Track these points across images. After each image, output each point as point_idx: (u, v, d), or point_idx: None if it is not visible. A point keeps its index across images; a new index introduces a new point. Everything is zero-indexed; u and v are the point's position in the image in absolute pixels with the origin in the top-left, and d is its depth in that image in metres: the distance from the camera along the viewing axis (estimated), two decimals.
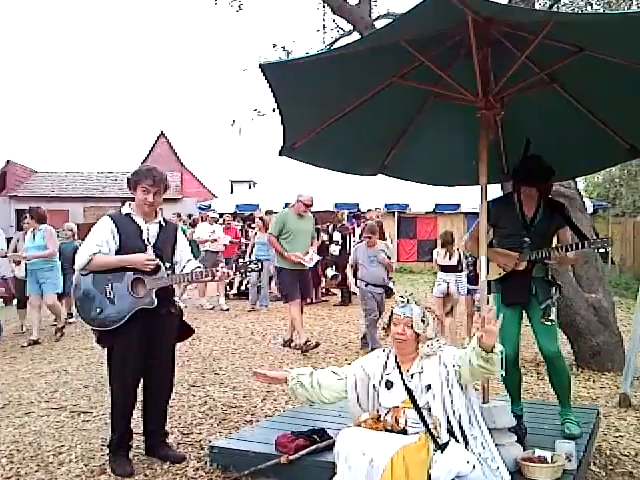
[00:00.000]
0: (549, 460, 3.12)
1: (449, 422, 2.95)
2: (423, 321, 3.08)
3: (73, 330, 8.93)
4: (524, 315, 3.97)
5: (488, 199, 3.63)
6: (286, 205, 17.06)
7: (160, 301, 3.63)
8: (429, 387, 3.02)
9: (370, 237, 7.41)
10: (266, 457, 3.51)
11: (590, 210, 16.03)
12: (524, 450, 3.31)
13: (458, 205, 16.99)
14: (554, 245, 3.92)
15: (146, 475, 3.71)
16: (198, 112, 61.09)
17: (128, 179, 3.74)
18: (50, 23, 78.58)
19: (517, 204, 3.90)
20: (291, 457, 3.43)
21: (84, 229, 10.08)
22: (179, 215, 16.51)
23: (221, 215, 13.78)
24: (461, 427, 2.94)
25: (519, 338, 3.97)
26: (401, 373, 3.12)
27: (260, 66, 3.07)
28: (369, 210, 14.55)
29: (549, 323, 3.76)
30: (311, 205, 7.22)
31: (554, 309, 3.77)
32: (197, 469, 3.75)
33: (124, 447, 3.79)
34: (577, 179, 7.15)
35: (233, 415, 4.91)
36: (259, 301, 10.93)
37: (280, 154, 3.88)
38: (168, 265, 3.69)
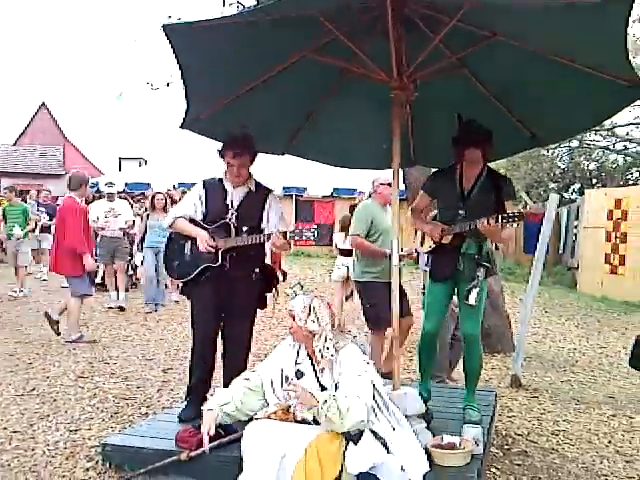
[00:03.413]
0: (458, 446, 3.12)
1: None
2: (305, 313, 2.94)
3: None
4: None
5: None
6: (181, 185, 16.55)
7: (232, 263, 3.69)
8: (338, 386, 2.90)
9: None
10: (165, 454, 3.25)
11: None
12: (432, 436, 3.30)
13: (355, 189, 17.18)
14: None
15: (27, 479, 3.34)
16: (84, 83, 57.56)
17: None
18: None
19: (457, 176, 3.78)
20: (192, 453, 3.19)
21: None
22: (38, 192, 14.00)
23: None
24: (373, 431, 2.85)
25: (444, 315, 3.97)
26: (313, 364, 2.99)
27: (163, 28, 2.79)
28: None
29: (469, 305, 3.65)
30: None
31: (476, 290, 3.62)
32: (87, 470, 3.44)
33: (195, 394, 3.84)
34: None
35: (126, 408, 4.58)
36: (155, 299, 8.89)
37: (182, 127, 3.61)
38: (246, 228, 3.72)
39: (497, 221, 3.39)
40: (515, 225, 3.43)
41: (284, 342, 3.18)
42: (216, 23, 2.92)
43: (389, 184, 4.72)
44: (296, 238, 3.50)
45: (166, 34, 2.84)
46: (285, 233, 3.51)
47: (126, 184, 17.58)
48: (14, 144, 28.34)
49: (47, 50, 69.65)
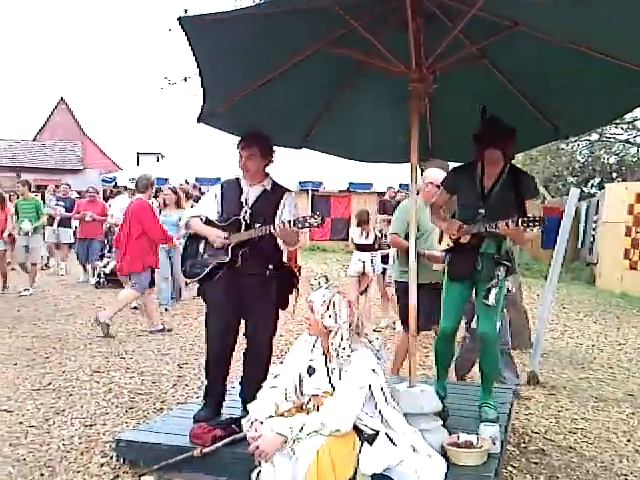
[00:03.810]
0: (475, 444, 3.07)
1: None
2: (324, 307, 2.88)
3: None
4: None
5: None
6: (198, 180, 16.54)
7: (244, 260, 3.63)
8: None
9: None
10: (179, 450, 3.25)
11: None
12: (448, 434, 3.25)
13: (371, 184, 17.13)
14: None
15: (42, 474, 3.34)
16: (102, 78, 58.11)
17: None
18: None
19: (478, 173, 3.70)
20: (205, 450, 3.19)
21: None
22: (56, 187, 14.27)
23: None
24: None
25: (461, 313, 3.92)
26: (326, 362, 2.94)
27: (179, 20, 2.75)
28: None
29: (488, 304, 3.58)
30: None
31: (495, 290, 3.55)
32: (102, 465, 3.43)
33: (211, 396, 3.79)
34: None
35: (141, 403, 4.58)
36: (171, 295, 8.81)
37: (199, 121, 3.58)
38: (258, 226, 3.66)
39: (517, 225, 3.31)
40: (534, 230, 3.33)
41: (300, 339, 3.14)
42: (232, 15, 2.88)
43: (438, 185, 4.44)
44: (300, 226, 3.40)
45: (182, 27, 2.79)
46: (289, 222, 3.42)
47: None
48: (33, 139, 28.66)
49: (66, 46, 70.21)
